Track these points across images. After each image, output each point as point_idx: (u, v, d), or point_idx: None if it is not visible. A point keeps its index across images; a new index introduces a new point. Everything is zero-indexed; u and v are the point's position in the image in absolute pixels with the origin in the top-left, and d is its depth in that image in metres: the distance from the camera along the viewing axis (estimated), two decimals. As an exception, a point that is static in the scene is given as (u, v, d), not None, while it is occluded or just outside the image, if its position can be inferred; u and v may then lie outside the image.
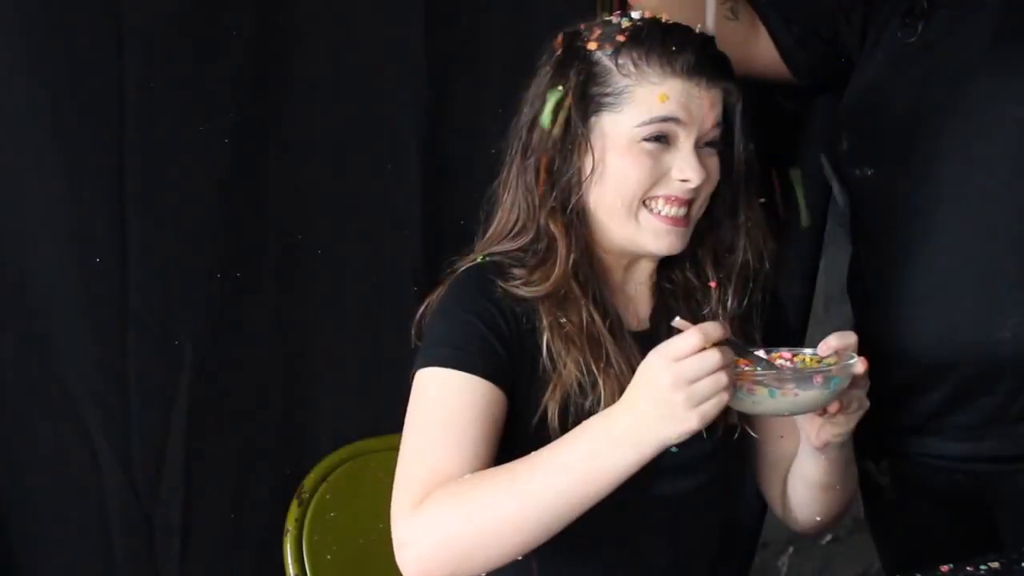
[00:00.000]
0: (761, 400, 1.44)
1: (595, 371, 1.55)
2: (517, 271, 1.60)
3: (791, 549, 2.96)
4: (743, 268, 1.68)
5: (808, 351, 1.54)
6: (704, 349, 1.37)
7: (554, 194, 1.61)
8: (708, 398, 1.37)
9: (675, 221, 1.60)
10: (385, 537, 1.89)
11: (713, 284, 1.67)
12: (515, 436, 1.55)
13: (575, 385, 1.55)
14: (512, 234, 1.66)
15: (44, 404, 2.00)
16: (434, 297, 1.66)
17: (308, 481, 1.89)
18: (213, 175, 2.07)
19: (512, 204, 1.67)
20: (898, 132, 1.95)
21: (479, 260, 1.65)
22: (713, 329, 1.39)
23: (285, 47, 2.12)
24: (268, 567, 1.98)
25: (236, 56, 2.07)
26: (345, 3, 2.16)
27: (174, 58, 2.03)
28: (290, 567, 1.82)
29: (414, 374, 1.58)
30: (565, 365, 1.55)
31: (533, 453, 1.45)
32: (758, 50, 2.05)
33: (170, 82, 2.02)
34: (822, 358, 1.52)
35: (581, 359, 1.55)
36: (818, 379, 1.45)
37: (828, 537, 3.04)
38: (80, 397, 2.01)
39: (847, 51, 2.04)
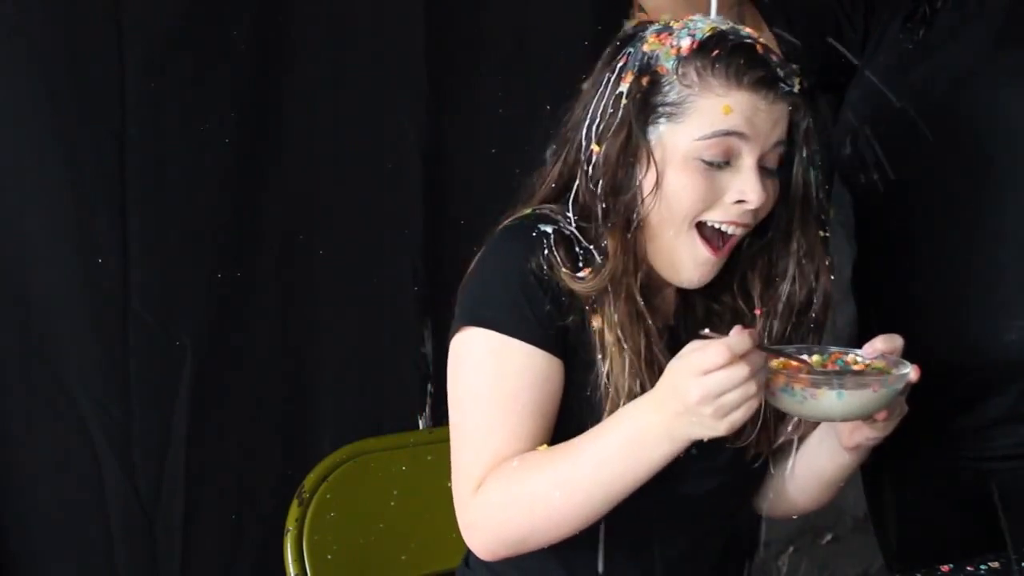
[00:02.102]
0: (814, 405, 1.42)
1: (648, 387, 1.51)
2: (570, 247, 1.53)
3: (791, 549, 2.97)
4: (790, 298, 1.60)
5: (856, 353, 1.51)
6: (732, 361, 1.35)
7: (616, 208, 1.53)
8: (736, 408, 1.37)
9: (718, 251, 1.54)
10: (385, 536, 1.90)
11: (759, 311, 1.60)
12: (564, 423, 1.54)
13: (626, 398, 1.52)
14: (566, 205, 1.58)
15: (44, 404, 2.00)
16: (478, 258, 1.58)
17: (308, 481, 1.88)
18: (213, 175, 2.07)
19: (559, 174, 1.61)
20: (902, 136, 1.95)
21: (528, 211, 1.59)
22: (739, 343, 1.36)
23: (285, 47, 2.12)
24: (268, 567, 1.98)
25: (236, 56, 2.07)
26: (345, 3, 2.16)
27: (174, 58, 2.03)
28: (290, 567, 1.82)
29: (456, 330, 1.54)
30: (624, 387, 1.51)
31: (573, 444, 1.47)
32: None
33: (170, 82, 2.03)
34: (869, 362, 1.49)
35: (640, 383, 1.51)
36: (875, 387, 1.42)
37: (828, 537, 3.04)
38: (80, 397, 2.01)
39: (850, 53, 2.04)
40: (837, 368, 1.48)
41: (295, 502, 1.85)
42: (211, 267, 2.08)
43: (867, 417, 1.48)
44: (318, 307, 2.18)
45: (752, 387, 1.36)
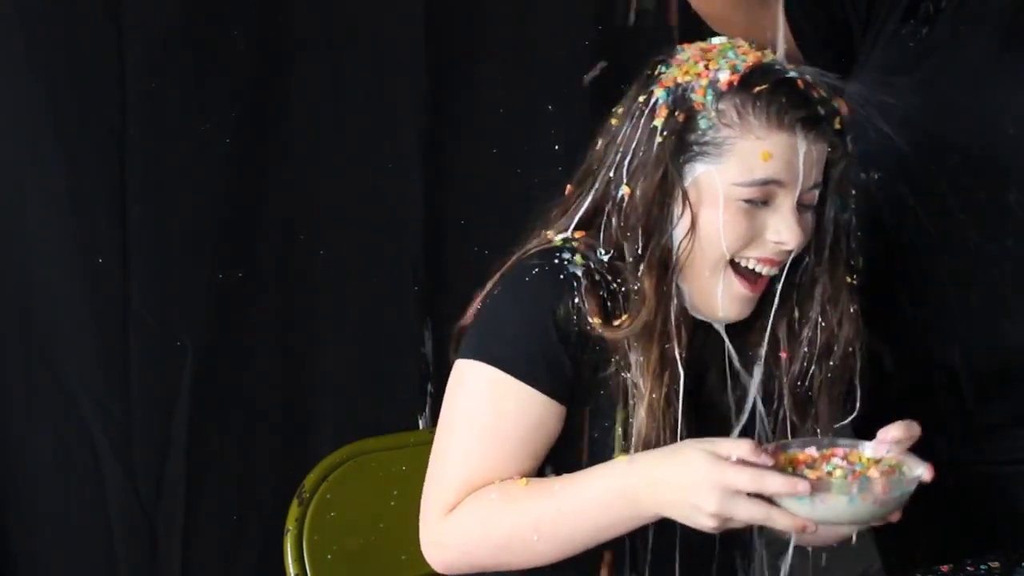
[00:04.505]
0: (823, 509, 1.36)
1: (664, 436, 1.48)
2: (600, 291, 1.47)
3: (791, 549, 2.95)
4: (812, 342, 1.55)
5: (865, 448, 1.45)
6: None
7: (652, 250, 1.47)
8: (733, 526, 1.37)
9: (754, 286, 1.49)
10: (385, 536, 1.89)
11: (784, 354, 1.56)
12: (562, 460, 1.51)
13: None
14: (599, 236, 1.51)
15: (45, 405, 2.01)
16: (496, 280, 1.51)
17: (308, 481, 1.88)
18: (214, 175, 2.07)
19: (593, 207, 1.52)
20: (904, 135, 1.94)
21: (557, 243, 1.50)
22: (784, 486, 1.33)
23: (286, 47, 2.12)
24: (269, 567, 1.98)
25: (237, 56, 2.08)
26: (346, 3, 2.17)
27: (174, 58, 2.03)
28: (290, 567, 1.82)
29: (461, 356, 1.49)
30: (643, 433, 1.48)
31: (556, 488, 1.44)
32: (767, 20, 2.02)
33: (170, 82, 2.03)
34: (880, 459, 1.44)
35: (657, 431, 1.48)
36: (886, 489, 1.37)
37: (828, 537, 3.03)
38: (81, 398, 2.01)
39: (852, 35, 2.03)
40: (839, 464, 1.42)
41: (295, 502, 1.85)
42: (211, 267, 2.08)
43: (878, 520, 1.43)
44: (318, 307, 2.18)
45: (760, 519, 1.35)
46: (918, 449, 1.87)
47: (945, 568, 1.63)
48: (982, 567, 1.63)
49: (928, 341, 1.89)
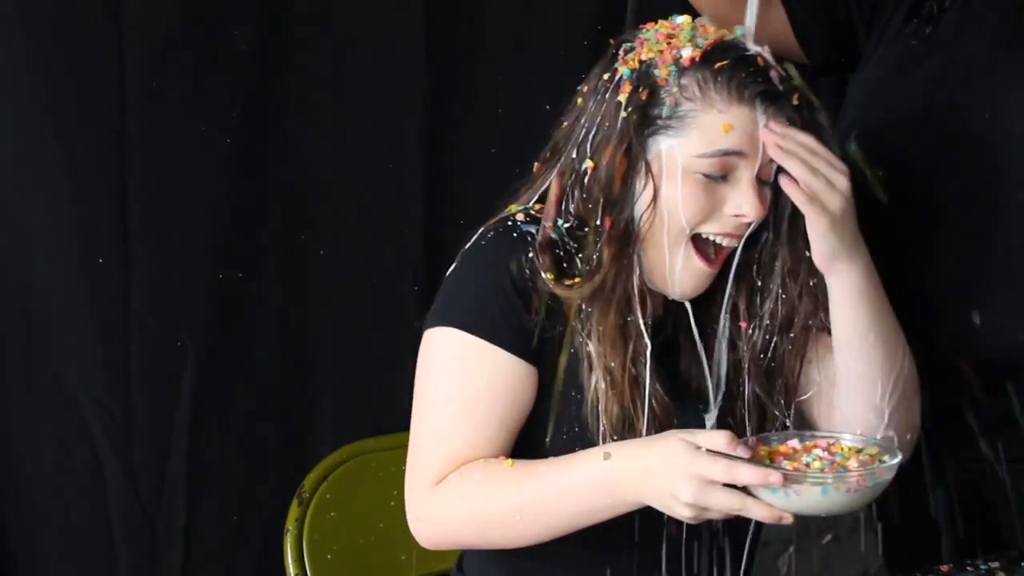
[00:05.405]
0: (797, 500, 1.37)
1: (631, 418, 1.50)
2: (554, 250, 1.50)
3: (791, 549, 2.96)
4: (773, 315, 1.58)
5: (847, 439, 1.48)
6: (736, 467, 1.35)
7: (612, 222, 1.50)
8: (711, 516, 1.39)
9: (712, 263, 1.52)
10: (385, 536, 1.90)
11: (744, 324, 1.58)
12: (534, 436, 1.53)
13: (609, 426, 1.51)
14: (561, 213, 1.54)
15: (46, 405, 2.01)
16: (460, 254, 1.56)
17: (308, 481, 1.88)
18: (214, 175, 2.08)
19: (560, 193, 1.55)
20: (908, 133, 1.94)
21: (514, 210, 1.55)
22: (755, 477, 1.35)
23: (286, 47, 2.12)
24: (269, 567, 1.98)
25: (237, 56, 2.08)
26: (346, 3, 2.17)
27: (174, 58, 2.03)
28: (290, 567, 1.82)
29: (427, 327, 1.53)
30: (606, 410, 1.50)
31: (540, 471, 1.46)
32: (770, 21, 2.02)
33: (170, 82, 2.03)
34: (861, 448, 1.46)
35: (620, 400, 1.50)
36: (860, 480, 1.38)
37: (828, 537, 3.04)
38: (81, 397, 2.02)
39: (855, 35, 2.04)
40: (819, 455, 1.44)
41: (295, 502, 1.85)
42: (211, 267, 2.09)
43: (855, 511, 1.44)
44: (318, 307, 2.18)
45: (736, 509, 1.36)
46: (924, 448, 1.86)
47: (945, 568, 1.63)
48: (982, 567, 1.63)
49: (927, 340, 1.89)
